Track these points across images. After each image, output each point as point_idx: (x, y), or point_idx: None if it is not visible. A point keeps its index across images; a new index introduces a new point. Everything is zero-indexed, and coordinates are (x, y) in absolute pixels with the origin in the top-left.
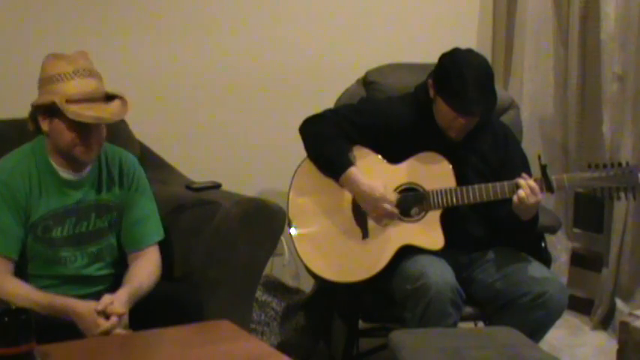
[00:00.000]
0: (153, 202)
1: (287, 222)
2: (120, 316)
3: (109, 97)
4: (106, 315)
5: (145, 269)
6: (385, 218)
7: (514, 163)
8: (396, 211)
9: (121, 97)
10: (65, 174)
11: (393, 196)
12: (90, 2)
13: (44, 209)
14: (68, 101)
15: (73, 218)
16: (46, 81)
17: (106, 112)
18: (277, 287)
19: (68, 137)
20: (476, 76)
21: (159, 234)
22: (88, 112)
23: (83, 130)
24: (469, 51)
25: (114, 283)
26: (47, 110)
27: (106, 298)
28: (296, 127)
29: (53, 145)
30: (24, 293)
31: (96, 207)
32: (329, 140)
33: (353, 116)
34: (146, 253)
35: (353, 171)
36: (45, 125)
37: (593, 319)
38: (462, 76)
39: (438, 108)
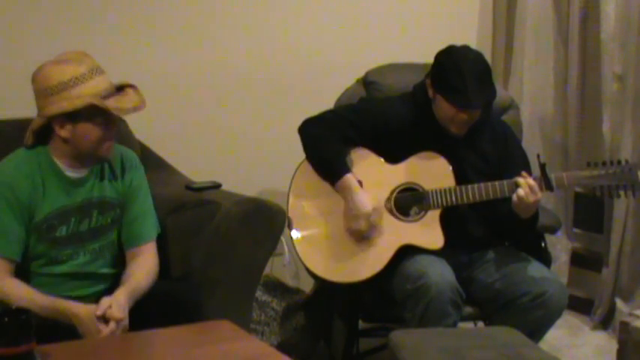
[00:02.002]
0: (150, 198)
1: (287, 223)
2: (119, 320)
3: (119, 89)
4: (106, 319)
5: (143, 268)
6: (355, 233)
7: (514, 162)
8: (365, 234)
9: (131, 85)
10: (70, 172)
11: (377, 219)
12: (90, 2)
13: (48, 209)
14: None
15: (77, 217)
16: (59, 88)
17: (133, 100)
18: (277, 287)
19: (95, 136)
20: (473, 70)
21: (156, 229)
22: (124, 105)
23: (109, 125)
24: (464, 47)
25: (114, 282)
26: (68, 117)
27: (105, 302)
28: (296, 127)
29: (73, 149)
30: (26, 295)
31: (99, 204)
32: (327, 143)
33: (352, 117)
34: (144, 250)
35: (348, 178)
36: (66, 132)
37: (593, 319)
38: (459, 71)
39: (438, 106)
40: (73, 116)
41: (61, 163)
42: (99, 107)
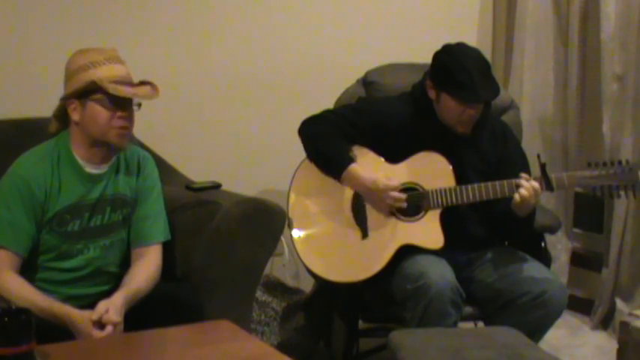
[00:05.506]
0: (162, 202)
1: (287, 222)
2: (115, 325)
3: (141, 83)
4: (102, 324)
5: (145, 271)
6: (394, 207)
7: (513, 161)
8: (403, 196)
9: (150, 83)
10: (89, 168)
11: (397, 184)
12: (89, 3)
13: (63, 204)
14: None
15: (90, 212)
16: (76, 71)
17: (141, 90)
18: (277, 287)
19: (102, 119)
20: (477, 65)
21: (165, 234)
22: (125, 89)
23: (118, 110)
24: (462, 44)
25: (119, 283)
26: (80, 96)
27: (101, 307)
28: (296, 127)
29: (85, 134)
30: (26, 293)
31: (112, 200)
32: (329, 139)
33: (352, 116)
34: (149, 252)
35: (354, 167)
36: (77, 114)
37: (593, 319)
38: (463, 67)
39: (443, 105)
40: (81, 97)
41: (79, 158)
42: (102, 88)
